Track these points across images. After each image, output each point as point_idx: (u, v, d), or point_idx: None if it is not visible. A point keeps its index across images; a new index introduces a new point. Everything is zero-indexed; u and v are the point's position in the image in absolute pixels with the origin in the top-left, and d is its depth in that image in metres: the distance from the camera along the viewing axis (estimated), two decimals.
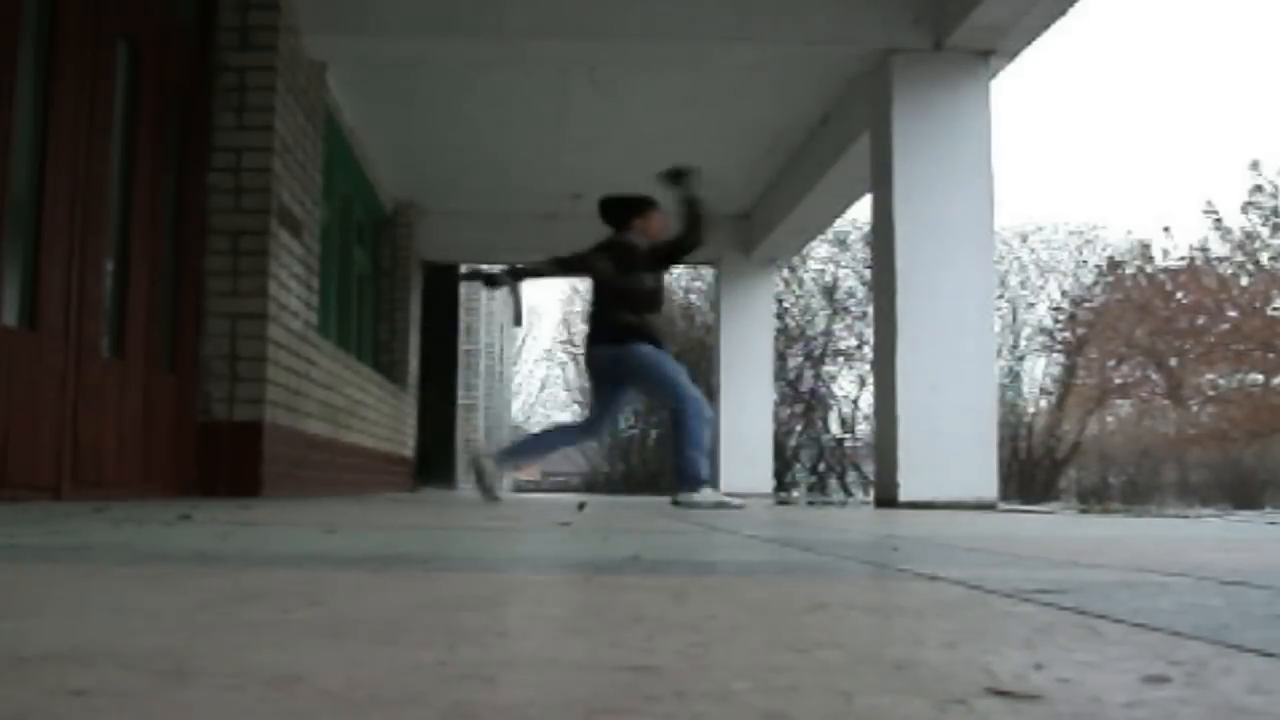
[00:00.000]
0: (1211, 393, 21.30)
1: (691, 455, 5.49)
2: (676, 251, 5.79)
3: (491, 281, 6.26)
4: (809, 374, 19.02)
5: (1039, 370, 21.09)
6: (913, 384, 6.02)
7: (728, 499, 5.48)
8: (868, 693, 0.68)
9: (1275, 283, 20.00)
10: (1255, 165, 20.78)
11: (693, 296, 19.29)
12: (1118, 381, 21.86)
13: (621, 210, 5.91)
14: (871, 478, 8.79)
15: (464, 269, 6.43)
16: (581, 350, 5.90)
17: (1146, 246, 21.28)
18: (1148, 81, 57.81)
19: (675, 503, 5.47)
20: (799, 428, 18.97)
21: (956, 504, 5.80)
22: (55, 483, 4.10)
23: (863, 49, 6.39)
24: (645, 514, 4.38)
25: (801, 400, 18.89)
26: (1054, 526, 3.64)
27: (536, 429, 5.84)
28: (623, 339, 5.63)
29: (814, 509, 6.72)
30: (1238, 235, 20.26)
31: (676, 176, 5.69)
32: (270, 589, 1.23)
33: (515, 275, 6.30)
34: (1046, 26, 5.96)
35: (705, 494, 5.38)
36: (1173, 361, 21.59)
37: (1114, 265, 21.23)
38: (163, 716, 0.59)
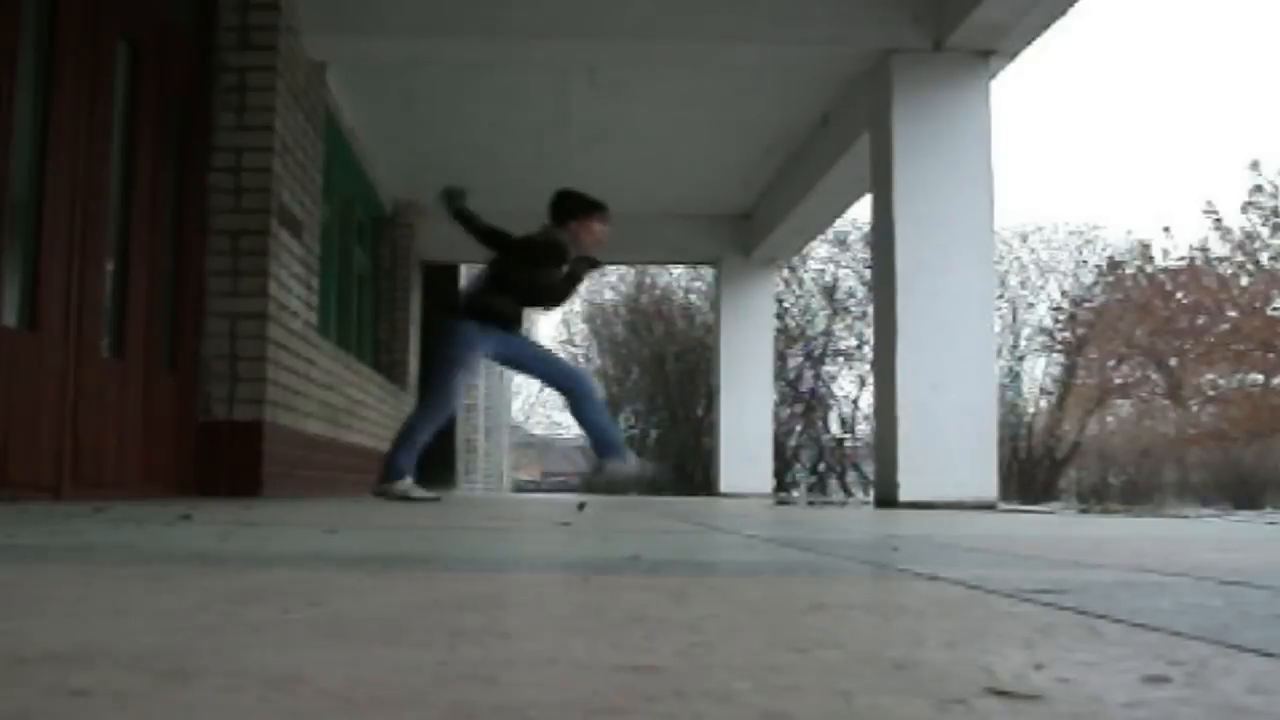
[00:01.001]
0: (1211, 393, 21.30)
1: (601, 426, 5.62)
2: (550, 285, 5.70)
3: (456, 204, 5.94)
4: (809, 374, 19.01)
5: (1039, 370, 21.08)
6: (913, 384, 6.02)
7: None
8: (868, 693, 0.68)
9: (1275, 283, 20.00)
10: (1255, 165, 20.75)
11: (693, 296, 19.29)
12: (1118, 381, 21.85)
13: (571, 207, 5.76)
14: (871, 478, 8.79)
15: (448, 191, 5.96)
16: (455, 323, 5.64)
17: (1146, 246, 21.28)
18: (1147, 81, 57.80)
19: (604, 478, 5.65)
20: (799, 428, 18.96)
21: (956, 504, 5.80)
22: (55, 483, 4.10)
23: (862, 49, 6.39)
24: (645, 514, 4.38)
25: (801, 400, 18.88)
26: (1054, 526, 3.64)
27: (397, 437, 5.70)
28: (503, 324, 5.60)
29: (814, 509, 6.72)
30: (1238, 235, 20.26)
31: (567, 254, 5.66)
32: (270, 589, 1.23)
33: (462, 218, 6.02)
34: (1046, 26, 5.96)
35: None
36: (1173, 361, 21.59)
37: (1114, 265, 21.22)
38: (163, 716, 0.59)
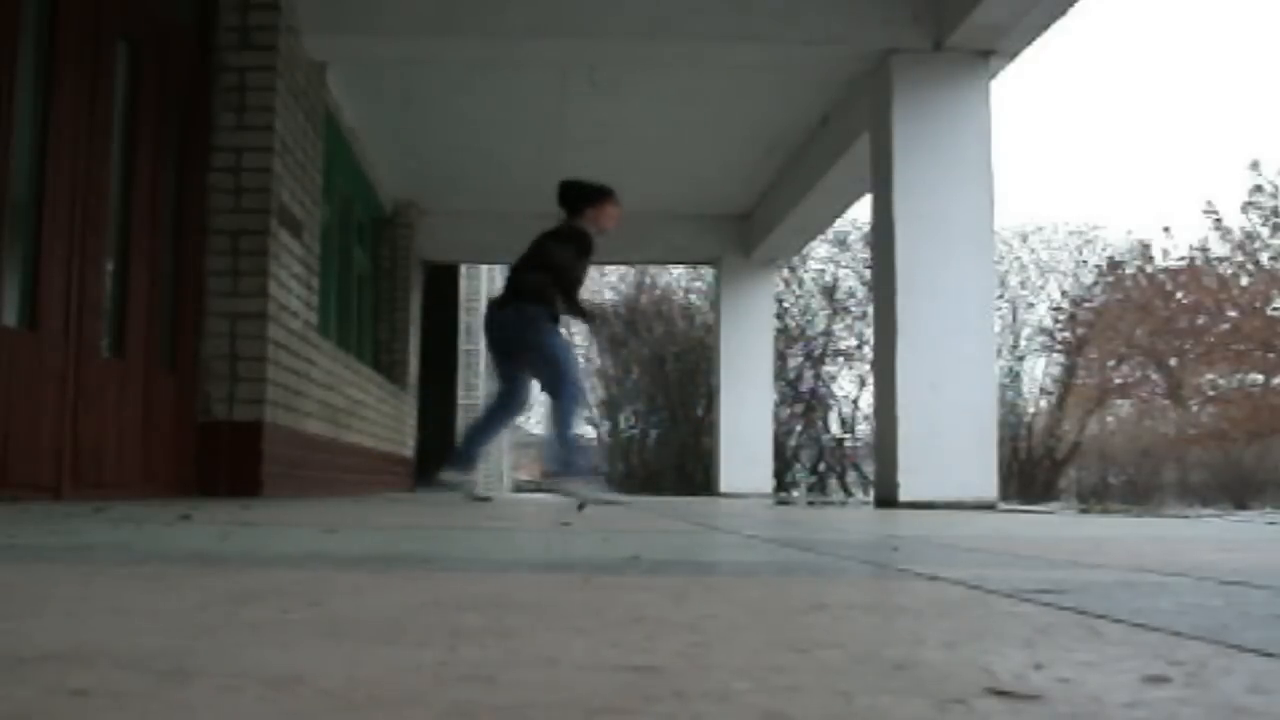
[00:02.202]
0: (1211, 393, 21.28)
1: (565, 436, 5.68)
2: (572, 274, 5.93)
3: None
4: (809, 374, 19.01)
5: (1039, 370, 21.06)
6: (913, 384, 6.02)
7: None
8: (868, 693, 0.68)
9: (1275, 283, 19.99)
10: (1255, 165, 20.75)
11: (693, 296, 19.28)
12: (1118, 381, 21.84)
13: (582, 196, 5.95)
14: (871, 478, 8.79)
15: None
16: (489, 314, 6.04)
17: (1146, 246, 21.26)
18: (1147, 81, 57.82)
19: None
20: (799, 428, 18.96)
21: (956, 504, 5.80)
22: (55, 483, 4.10)
23: (862, 49, 6.39)
24: (645, 514, 4.38)
25: (801, 400, 18.87)
26: (1054, 526, 3.64)
27: (470, 427, 6.08)
28: (543, 312, 5.76)
29: (814, 509, 6.72)
30: (1238, 235, 20.25)
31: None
32: (270, 589, 1.23)
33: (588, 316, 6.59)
34: (1047, 26, 5.96)
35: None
36: (1173, 361, 21.57)
37: (1114, 265, 21.21)
38: (163, 716, 0.59)
